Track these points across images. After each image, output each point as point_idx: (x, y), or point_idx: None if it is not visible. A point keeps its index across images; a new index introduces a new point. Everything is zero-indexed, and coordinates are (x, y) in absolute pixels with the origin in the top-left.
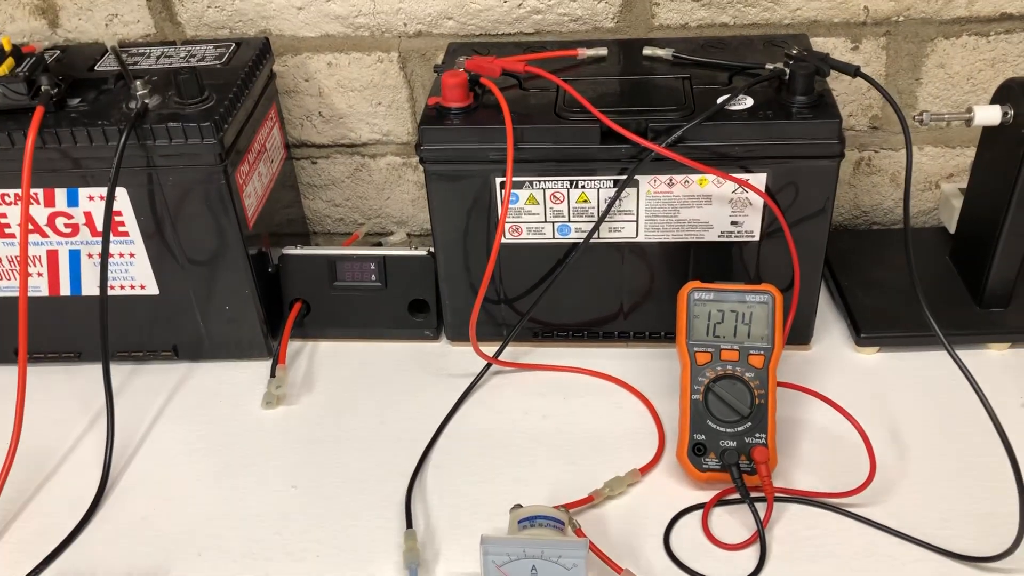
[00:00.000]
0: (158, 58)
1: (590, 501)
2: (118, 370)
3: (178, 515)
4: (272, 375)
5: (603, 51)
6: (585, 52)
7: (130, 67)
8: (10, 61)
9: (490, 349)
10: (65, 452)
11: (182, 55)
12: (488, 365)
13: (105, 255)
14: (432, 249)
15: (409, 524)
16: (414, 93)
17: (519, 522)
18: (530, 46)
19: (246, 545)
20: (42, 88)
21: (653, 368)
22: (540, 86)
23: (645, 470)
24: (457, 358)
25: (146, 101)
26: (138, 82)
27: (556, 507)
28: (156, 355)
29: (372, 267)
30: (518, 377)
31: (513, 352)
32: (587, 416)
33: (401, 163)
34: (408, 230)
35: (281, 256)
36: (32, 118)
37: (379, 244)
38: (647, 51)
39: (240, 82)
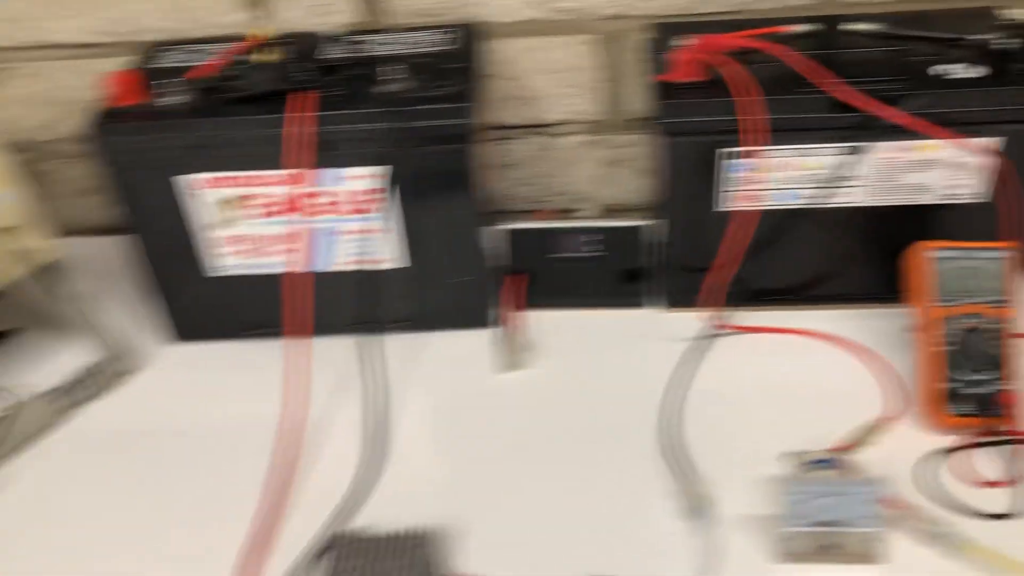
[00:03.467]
0: (384, 44)
1: (848, 448)
2: (347, 342)
3: (448, 474)
4: (503, 342)
5: (810, 27)
6: (793, 28)
7: (363, 53)
8: (273, 49)
9: (701, 316)
10: (320, 422)
11: (408, 41)
12: (713, 328)
13: (362, 233)
14: (647, 221)
15: (681, 473)
16: (607, 73)
17: (805, 464)
18: (734, 24)
19: (522, 497)
20: (303, 73)
21: (873, 327)
22: (759, 60)
23: (887, 421)
24: (674, 324)
25: (400, 84)
26: (391, 67)
27: (830, 450)
28: (391, 326)
29: (590, 239)
30: (740, 340)
31: (731, 316)
32: (815, 373)
33: (588, 142)
34: (591, 206)
35: (503, 230)
36: (303, 102)
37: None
38: (853, 26)
39: (474, 65)
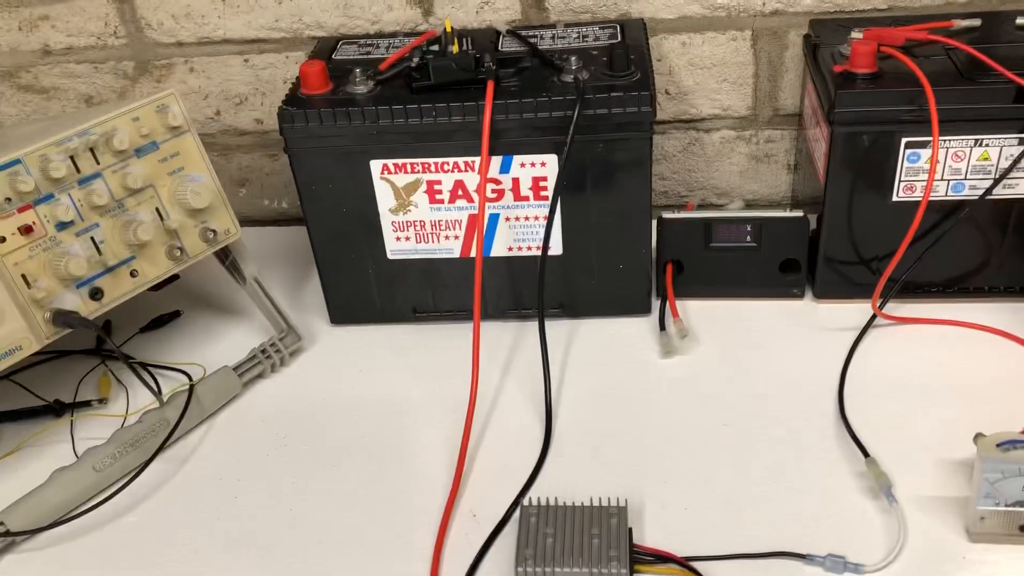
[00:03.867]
0: (553, 39)
1: None
2: (506, 327)
3: (617, 452)
4: (662, 328)
5: (976, 21)
6: (960, 22)
7: (536, 47)
8: (452, 42)
9: (853, 306)
10: (488, 401)
11: (574, 35)
12: (872, 318)
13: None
14: (801, 213)
15: (865, 453)
16: (759, 69)
17: (998, 445)
18: (889, 20)
19: (697, 476)
20: (483, 65)
21: None
22: (925, 53)
23: None
24: (829, 314)
25: (579, 76)
26: (573, 58)
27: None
28: (553, 311)
29: (747, 228)
30: (899, 330)
31: (887, 307)
32: (978, 364)
33: (735, 136)
34: (731, 200)
35: (660, 219)
36: (484, 92)
37: None
38: (1022, 20)
39: (646, 58)
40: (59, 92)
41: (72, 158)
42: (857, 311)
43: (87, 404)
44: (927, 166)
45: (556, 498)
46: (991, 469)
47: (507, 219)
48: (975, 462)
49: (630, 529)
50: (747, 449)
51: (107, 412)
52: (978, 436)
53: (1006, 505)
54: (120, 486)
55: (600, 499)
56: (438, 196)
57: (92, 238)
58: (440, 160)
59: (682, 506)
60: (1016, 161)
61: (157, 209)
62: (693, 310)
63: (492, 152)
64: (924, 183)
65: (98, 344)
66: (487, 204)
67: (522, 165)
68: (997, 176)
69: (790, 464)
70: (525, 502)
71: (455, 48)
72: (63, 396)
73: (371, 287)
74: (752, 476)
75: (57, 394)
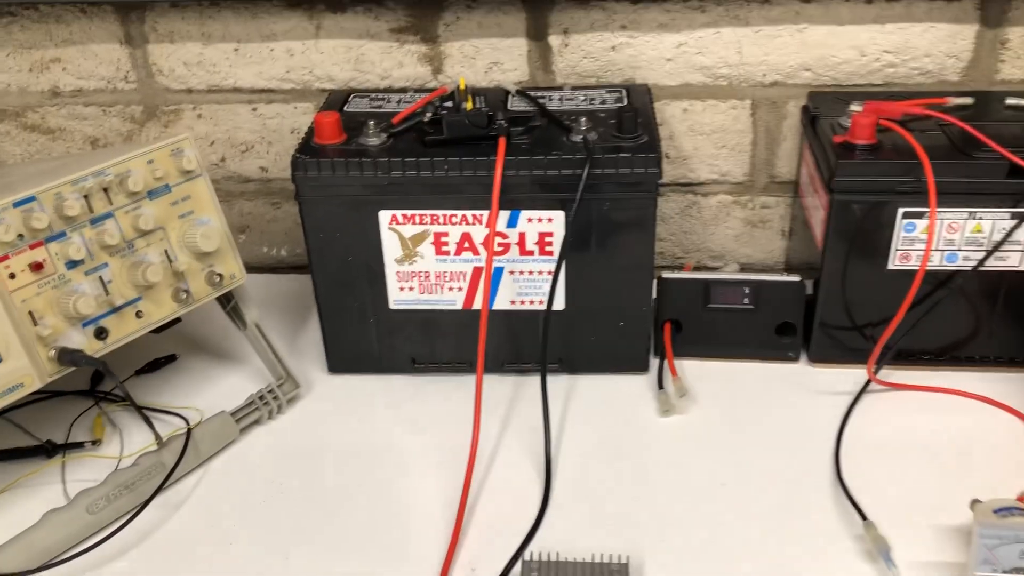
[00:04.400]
0: (559, 100)
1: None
2: (504, 380)
3: (615, 509)
4: (660, 387)
5: (969, 99)
6: (953, 100)
7: (545, 107)
8: (465, 99)
9: (847, 371)
10: (486, 454)
11: (581, 98)
12: (867, 383)
13: (554, 277)
14: (798, 277)
15: (863, 517)
16: (757, 137)
17: (994, 511)
18: (889, 95)
19: (696, 535)
20: (495, 122)
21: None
22: (921, 128)
23: None
24: (821, 378)
25: (588, 136)
26: (583, 118)
27: (1019, 499)
28: (553, 366)
29: (745, 291)
30: (892, 396)
31: (880, 373)
32: (970, 432)
33: (731, 201)
34: (726, 264)
35: (660, 278)
36: (495, 148)
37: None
38: (1011, 101)
39: (652, 121)
40: (65, 133)
41: (86, 197)
42: (850, 376)
43: (79, 445)
44: (922, 236)
45: (557, 553)
46: (988, 535)
47: (511, 272)
48: (973, 528)
49: None
50: (745, 509)
51: (100, 454)
52: (974, 502)
53: (1003, 571)
54: (114, 530)
55: (601, 555)
56: (444, 248)
57: (100, 277)
58: (448, 212)
59: (680, 565)
60: (1009, 234)
61: (166, 251)
62: (690, 369)
63: (500, 207)
64: (919, 252)
65: (92, 385)
66: (495, 257)
67: (529, 220)
68: (990, 248)
69: (788, 525)
70: (527, 556)
71: (469, 105)
72: (55, 436)
73: (371, 337)
74: (751, 536)
75: (49, 434)
